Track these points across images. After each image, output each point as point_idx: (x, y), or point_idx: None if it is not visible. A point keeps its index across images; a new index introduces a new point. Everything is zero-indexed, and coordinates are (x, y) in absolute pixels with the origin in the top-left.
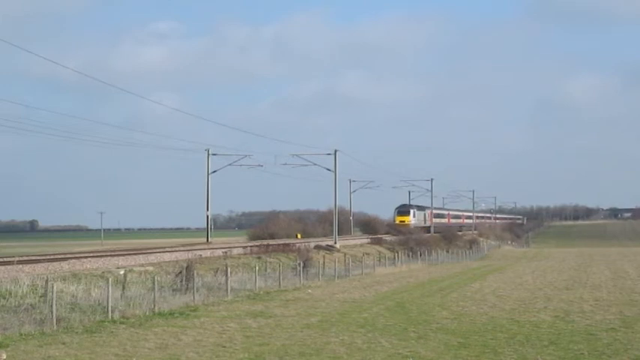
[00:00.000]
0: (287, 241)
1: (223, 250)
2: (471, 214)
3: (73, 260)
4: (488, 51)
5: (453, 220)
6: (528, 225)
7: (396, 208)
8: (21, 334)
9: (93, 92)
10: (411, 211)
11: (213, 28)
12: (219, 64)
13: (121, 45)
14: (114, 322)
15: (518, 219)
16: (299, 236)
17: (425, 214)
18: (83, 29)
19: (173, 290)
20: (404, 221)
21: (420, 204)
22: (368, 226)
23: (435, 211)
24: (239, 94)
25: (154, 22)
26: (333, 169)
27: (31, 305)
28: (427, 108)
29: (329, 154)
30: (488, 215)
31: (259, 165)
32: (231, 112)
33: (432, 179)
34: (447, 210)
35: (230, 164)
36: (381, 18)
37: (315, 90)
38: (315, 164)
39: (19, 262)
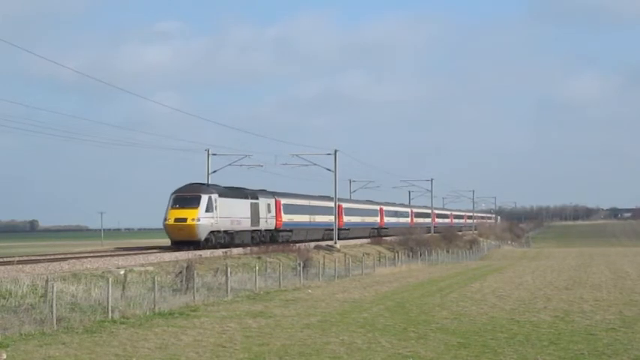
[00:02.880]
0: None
1: (223, 250)
2: (409, 210)
3: (73, 260)
4: (490, 51)
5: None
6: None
7: (172, 194)
8: (21, 334)
9: (94, 92)
10: (204, 198)
11: (217, 29)
12: (222, 64)
13: (124, 45)
14: (114, 322)
15: (490, 217)
16: None
17: (259, 207)
18: (86, 29)
19: (173, 290)
20: (184, 220)
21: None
22: None
23: (291, 202)
24: (241, 94)
25: (157, 22)
26: (333, 169)
27: (31, 305)
28: (428, 108)
29: (329, 154)
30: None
31: (259, 165)
32: (234, 112)
33: (432, 179)
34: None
35: (230, 164)
36: (383, 19)
37: (317, 90)
38: (315, 164)
39: (19, 262)
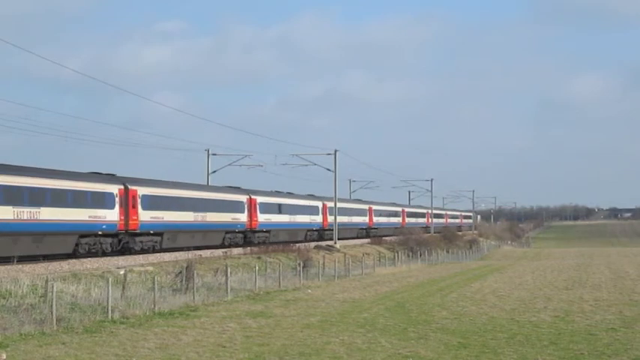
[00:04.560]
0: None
1: (223, 250)
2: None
3: (73, 260)
4: (490, 51)
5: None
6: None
7: None
8: (21, 334)
9: (95, 92)
10: None
11: (218, 29)
12: (224, 64)
13: (126, 45)
14: (114, 322)
15: (469, 217)
16: None
17: None
18: (87, 29)
19: (173, 290)
20: None
21: None
22: None
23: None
24: (242, 93)
25: (158, 22)
26: (333, 169)
27: (31, 305)
28: (429, 108)
29: (329, 154)
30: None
31: (259, 165)
32: (234, 111)
33: (431, 179)
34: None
35: (230, 164)
36: (384, 19)
37: (318, 90)
38: (315, 164)
39: (19, 262)
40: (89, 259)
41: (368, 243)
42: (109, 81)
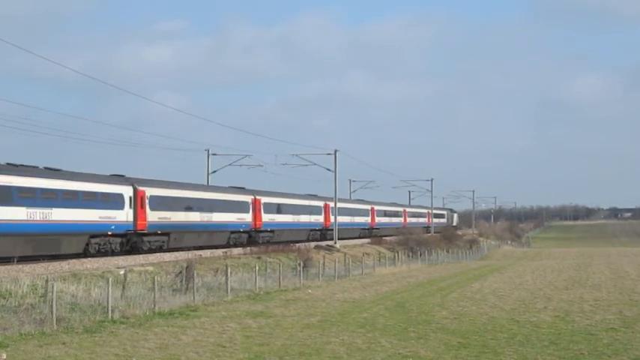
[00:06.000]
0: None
1: (223, 250)
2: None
3: (73, 260)
4: (491, 52)
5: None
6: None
7: None
8: (21, 334)
9: (96, 92)
10: None
11: (219, 29)
12: (224, 64)
13: (127, 45)
14: (114, 322)
15: (442, 215)
16: None
17: None
18: (88, 29)
19: (173, 290)
20: None
21: None
22: None
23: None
24: (243, 93)
25: (159, 22)
26: (333, 169)
27: (31, 305)
28: (429, 108)
29: (329, 154)
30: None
31: (259, 165)
32: (234, 111)
33: (432, 179)
34: None
35: (230, 164)
36: (385, 19)
37: (319, 90)
38: (315, 164)
39: (19, 262)
40: (89, 258)
41: (368, 243)
42: (110, 81)
